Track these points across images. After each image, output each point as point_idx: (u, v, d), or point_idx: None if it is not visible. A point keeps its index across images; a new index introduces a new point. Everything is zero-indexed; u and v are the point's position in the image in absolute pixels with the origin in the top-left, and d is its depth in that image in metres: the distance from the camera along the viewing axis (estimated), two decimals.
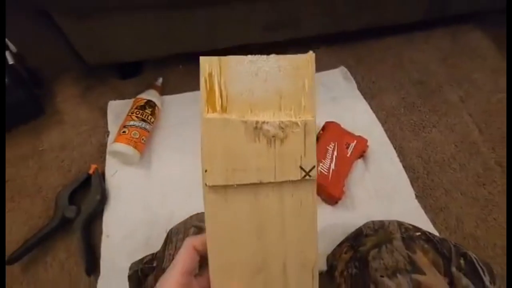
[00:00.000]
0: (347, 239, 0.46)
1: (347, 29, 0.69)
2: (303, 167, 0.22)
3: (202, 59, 0.21)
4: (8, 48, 0.59)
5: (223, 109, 0.21)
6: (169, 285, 0.22)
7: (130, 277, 0.41)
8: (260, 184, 0.22)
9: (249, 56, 0.21)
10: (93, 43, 0.54)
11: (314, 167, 0.22)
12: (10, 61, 0.57)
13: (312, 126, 0.21)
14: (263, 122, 0.21)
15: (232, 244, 0.23)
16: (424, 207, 0.55)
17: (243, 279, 0.23)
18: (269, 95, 0.21)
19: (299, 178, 0.22)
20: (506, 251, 0.51)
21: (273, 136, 0.21)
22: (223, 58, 0.21)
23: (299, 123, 0.21)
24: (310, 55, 0.21)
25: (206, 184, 0.21)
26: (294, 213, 0.23)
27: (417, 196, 0.56)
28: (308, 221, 0.23)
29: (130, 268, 0.41)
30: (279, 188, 0.22)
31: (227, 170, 0.21)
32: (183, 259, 0.24)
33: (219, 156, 0.21)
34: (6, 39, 0.58)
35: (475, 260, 0.39)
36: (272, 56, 0.21)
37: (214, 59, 0.21)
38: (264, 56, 0.21)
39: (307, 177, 0.22)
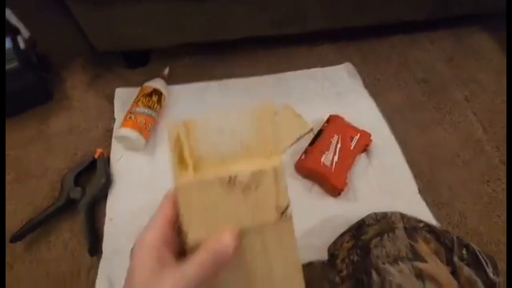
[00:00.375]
0: (349, 230, 0.46)
1: (352, 25, 0.69)
2: (278, 207, 0.23)
3: (168, 126, 0.22)
4: (19, 33, 0.61)
5: (196, 169, 0.23)
6: (152, 237, 0.21)
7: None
8: (242, 232, 0.23)
9: (212, 115, 0.23)
10: (104, 30, 0.55)
11: (288, 205, 0.24)
12: (22, 45, 0.58)
13: (280, 169, 0.23)
14: (235, 176, 0.22)
15: None
16: (427, 202, 0.55)
17: None
18: (237, 149, 0.23)
19: (277, 218, 0.23)
20: (506, 249, 0.50)
21: (246, 186, 0.22)
22: (188, 121, 0.22)
23: (268, 170, 0.22)
24: (268, 103, 0.23)
25: (190, 247, 0.22)
26: (277, 251, 0.24)
27: (420, 191, 0.56)
28: (291, 255, 0.24)
29: (134, 244, 0.41)
30: (260, 231, 0.24)
31: (208, 226, 0.22)
32: (163, 208, 0.23)
33: (199, 219, 0.22)
34: (19, 24, 0.59)
35: (478, 252, 0.39)
36: (233, 111, 0.23)
37: (180, 123, 0.22)
38: (227, 112, 0.23)
39: (283, 217, 0.23)
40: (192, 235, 0.22)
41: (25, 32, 0.60)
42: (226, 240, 0.21)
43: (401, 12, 0.69)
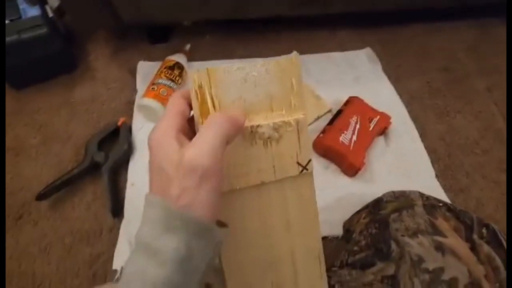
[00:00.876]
0: (366, 207, 0.47)
1: (375, 9, 0.69)
2: (300, 162, 0.23)
3: (191, 73, 0.22)
4: (46, 2, 0.62)
5: None
6: (167, 125, 0.21)
7: None
8: (262, 184, 0.23)
9: (236, 64, 0.22)
10: (131, 3, 0.56)
11: (310, 160, 0.23)
12: (50, 14, 0.60)
13: (304, 123, 0.23)
14: (258, 126, 0.22)
15: (243, 244, 0.24)
16: (444, 187, 0.55)
17: (256, 274, 0.25)
18: (260, 99, 0.22)
19: (298, 173, 0.23)
20: (506, 251, 0.50)
21: (268, 138, 0.22)
22: (211, 68, 0.22)
23: (291, 122, 0.22)
24: (295, 56, 0.23)
25: None
26: (296, 205, 0.24)
27: (437, 176, 0.56)
28: (310, 212, 0.24)
29: (147, 197, 0.43)
30: (280, 185, 0.23)
31: (230, 177, 0.22)
32: (174, 103, 0.22)
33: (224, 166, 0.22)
34: None
35: (497, 231, 0.39)
36: (259, 61, 0.22)
37: (202, 71, 0.22)
38: (252, 63, 0.22)
39: (305, 171, 0.23)
40: None
41: (54, 1, 0.61)
42: (237, 111, 0.22)
43: None
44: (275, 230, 0.24)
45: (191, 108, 0.23)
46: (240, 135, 0.22)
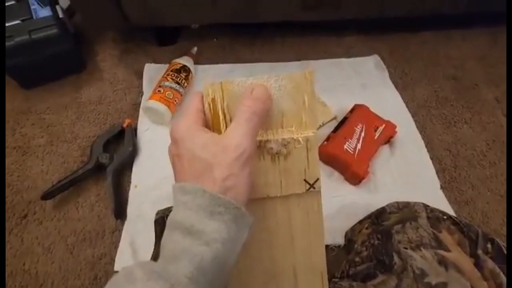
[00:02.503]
0: (368, 217, 0.46)
1: (385, 15, 0.68)
2: (308, 180, 0.23)
3: (205, 85, 0.22)
4: (57, 2, 0.63)
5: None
6: (189, 117, 0.22)
7: (156, 221, 0.42)
8: (267, 198, 0.23)
9: (251, 78, 0.22)
10: (140, 4, 0.57)
11: (317, 179, 0.23)
12: (60, 14, 0.60)
13: (314, 141, 0.22)
14: (267, 141, 0.22)
15: (245, 255, 0.24)
16: (449, 199, 0.54)
17: (256, 286, 0.25)
18: (270, 114, 0.22)
19: (304, 190, 0.23)
20: (506, 248, 0.49)
21: (276, 153, 0.22)
22: (225, 82, 0.22)
23: (300, 139, 0.22)
24: (309, 72, 0.22)
25: None
26: (301, 222, 0.24)
27: (442, 188, 0.55)
28: (315, 229, 0.24)
29: (157, 214, 0.43)
30: (286, 200, 0.23)
31: None
32: (195, 101, 0.23)
33: None
34: None
35: (503, 246, 0.39)
36: (272, 76, 0.22)
37: (216, 84, 0.22)
38: (265, 77, 0.22)
39: (312, 189, 0.23)
40: None
41: (65, 2, 0.62)
42: (258, 89, 0.22)
43: (437, 4, 0.67)
44: (279, 244, 0.24)
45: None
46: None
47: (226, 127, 0.22)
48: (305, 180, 0.23)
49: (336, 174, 0.56)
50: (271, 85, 0.22)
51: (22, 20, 0.57)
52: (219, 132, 0.22)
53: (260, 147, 0.22)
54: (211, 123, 0.22)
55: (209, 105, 0.22)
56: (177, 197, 0.21)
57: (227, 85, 0.22)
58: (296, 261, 0.25)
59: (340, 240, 0.48)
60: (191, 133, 0.21)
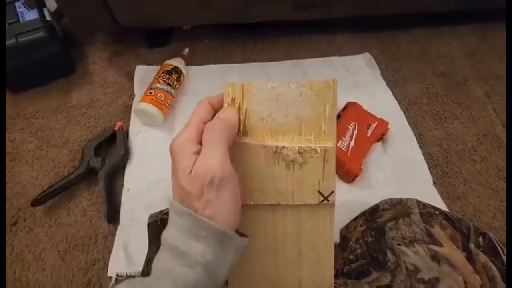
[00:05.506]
0: (363, 214, 0.46)
1: (377, 13, 0.69)
2: (322, 192, 0.22)
3: (226, 84, 0.22)
4: (45, 5, 0.62)
5: (245, 133, 0.22)
6: (186, 134, 0.22)
7: (149, 225, 0.42)
8: (278, 205, 0.22)
9: (271, 82, 0.22)
10: (130, 6, 0.56)
11: (332, 192, 0.22)
12: (48, 17, 0.60)
13: (332, 153, 0.22)
14: (283, 147, 0.21)
15: (250, 261, 0.23)
16: (441, 194, 0.55)
17: None
18: (289, 120, 0.22)
19: (317, 202, 0.22)
20: (506, 251, 0.50)
21: (292, 161, 0.22)
22: (246, 84, 0.22)
23: (318, 149, 0.21)
24: (333, 81, 0.22)
25: None
26: (311, 234, 0.23)
27: (434, 183, 0.56)
28: (325, 242, 0.23)
29: (150, 217, 0.42)
30: (297, 210, 0.23)
31: (246, 191, 0.22)
32: (198, 111, 0.23)
33: (239, 178, 0.22)
34: None
35: (494, 240, 0.39)
36: (294, 82, 0.22)
37: (237, 84, 0.22)
38: (286, 83, 0.22)
39: (325, 201, 0.22)
40: None
41: (52, 5, 0.61)
42: (229, 111, 0.23)
43: (427, 2, 0.68)
44: (286, 255, 0.24)
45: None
46: (262, 152, 0.22)
47: (243, 128, 0.22)
48: (319, 191, 0.22)
49: None
50: (291, 90, 0.22)
51: (9, 24, 0.56)
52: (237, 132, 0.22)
53: (276, 153, 0.22)
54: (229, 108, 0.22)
55: (228, 105, 0.22)
56: (170, 213, 0.22)
57: (247, 87, 0.22)
58: (302, 274, 0.24)
59: (335, 238, 0.48)
60: (180, 153, 0.21)
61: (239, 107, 0.22)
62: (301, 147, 0.21)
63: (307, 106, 0.22)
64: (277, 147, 0.21)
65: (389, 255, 0.36)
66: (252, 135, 0.22)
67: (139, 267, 0.42)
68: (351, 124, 0.57)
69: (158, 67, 0.63)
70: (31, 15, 0.59)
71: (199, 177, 0.20)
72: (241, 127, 0.22)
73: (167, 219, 0.41)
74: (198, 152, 0.21)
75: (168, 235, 0.21)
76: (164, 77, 0.59)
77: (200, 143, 0.21)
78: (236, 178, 0.21)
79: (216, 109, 0.23)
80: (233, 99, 0.22)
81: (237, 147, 0.22)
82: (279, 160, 0.22)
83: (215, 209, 0.20)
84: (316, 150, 0.21)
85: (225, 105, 0.22)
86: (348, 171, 0.53)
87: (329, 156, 0.22)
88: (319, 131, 0.22)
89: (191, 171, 0.20)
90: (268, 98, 0.22)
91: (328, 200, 0.22)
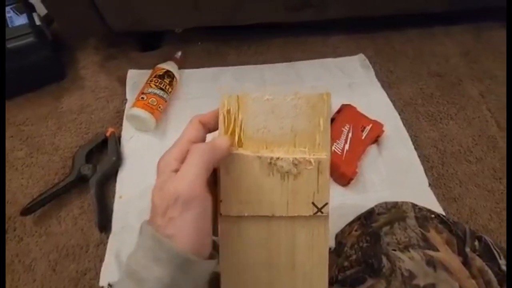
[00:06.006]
0: (358, 218, 0.46)
1: (371, 14, 0.68)
2: (316, 203, 0.22)
3: (223, 96, 0.22)
4: (35, 10, 0.61)
5: (240, 144, 0.22)
6: (172, 153, 0.22)
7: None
8: (272, 217, 0.23)
9: (267, 94, 0.22)
10: (120, 10, 0.55)
11: (326, 204, 0.23)
12: (37, 22, 0.59)
13: (326, 164, 0.22)
14: (277, 158, 0.22)
15: (243, 272, 0.23)
16: (437, 196, 0.54)
17: None
18: (284, 132, 0.22)
19: (311, 214, 0.22)
20: (506, 247, 0.49)
21: (286, 172, 0.22)
22: (241, 95, 0.22)
23: (312, 161, 0.22)
24: (327, 94, 0.22)
25: (220, 214, 0.23)
26: (305, 245, 0.23)
27: (430, 185, 0.56)
28: (319, 254, 0.23)
29: (142, 225, 0.42)
30: (291, 221, 0.23)
31: (241, 202, 0.22)
32: (187, 129, 0.23)
33: (234, 188, 0.22)
34: (36, 0, 0.59)
35: (490, 244, 0.39)
36: (289, 94, 0.22)
37: (233, 96, 0.22)
38: (281, 95, 0.22)
39: (319, 213, 0.22)
40: (224, 206, 0.22)
41: (41, 9, 0.60)
42: (222, 137, 0.23)
43: (421, 2, 0.67)
44: (280, 266, 0.24)
45: (210, 131, 0.23)
46: (257, 163, 0.22)
47: (238, 140, 0.22)
48: (313, 203, 0.22)
49: None
50: (287, 103, 0.22)
51: None
52: (231, 144, 0.22)
53: (271, 164, 0.22)
54: (224, 135, 0.23)
55: (224, 117, 0.22)
56: (139, 234, 0.22)
57: (243, 98, 0.22)
58: (296, 286, 0.24)
59: (331, 243, 0.47)
60: (161, 171, 0.22)
61: (234, 120, 0.22)
62: (296, 158, 0.22)
63: (302, 118, 0.22)
64: (271, 158, 0.22)
65: (384, 261, 0.36)
66: (247, 147, 0.22)
67: None
68: (346, 127, 0.56)
69: (150, 71, 0.62)
70: (21, 20, 0.58)
71: (167, 194, 0.20)
72: (236, 138, 0.22)
73: None
74: (177, 171, 0.21)
75: (131, 258, 0.21)
76: (156, 81, 0.58)
77: (183, 162, 0.21)
78: (209, 200, 0.21)
79: (208, 127, 0.24)
80: (228, 111, 0.22)
81: (232, 159, 0.22)
82: (273, 171, 0.22)
83: (177, 228, 0.20)
84: (310, 162, 0.22)
85: (221, 116, 0.22)
86: (342, 175, 0.52)
87: (323, 167, 0.22)
88: (313, 143, 0.22)
89: (162, 188, 0.20)
90: (264, 110, 0.22)
91: (322, 212, 0.22)
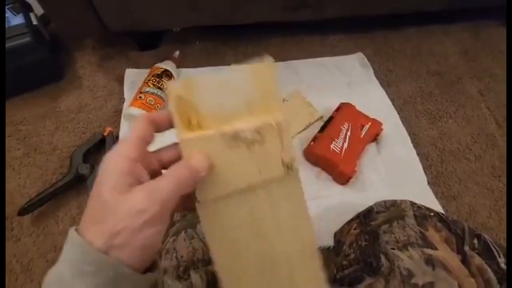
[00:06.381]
0: (357, 217, 0.46)
1: (369, 13, 0.68)
2: (284, 162, 0.23)
3: (169, 84, 0.22)
4: (32, 10, 0.61)
5: (199, 127, 0.22)
6: (124, 147, 0.20)
7: None
8: (249, 189, 0.23)
9: (212, 74, 0.22)
10: (118, 10, 0.55)
11: (293, 159, 0.23)
12: (34, 21, 0.58)
13: (285, 124, 0.23)
14: (240, 131, 0.22)
15: (235, 250, 0.24)
16: (436, 194, 0.54)
17: (253, 278, 0.25)
18: (239, 104, 0.22)
19: (283, 173, 0.23)
20: (506, 245, 0.49)
21: (251, 141, 0.22)
22: (187, 80, 0.22)
23: (272, 123, 0.22)
24: (268, 59, 0.23)
25: (198, 201, 0.22)
26: (285, 205, 0.24)
27: (429, 183, 0.55)
28: (300, 209, 0.24)
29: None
30: (267, 187, 0.23)
31: (215, 183, 0.22)
32: (136, 127, 0.21)
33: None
34: (32, 0, 0.59)
35: (489, 242, 0.39)
36: (233, 67, 0.22)
37: (179, 82, 0.22)
38: (225, 72, 0.22)
39: (290, 171, 0.23)
40: (199, 191, 0.22)
41: (38, 9, 0.60)
42: (200, 157, 0.21)
43: (419, 1, 0.67)
44: (268, 234, 0.24)
45: (159, 131, 0.22)
46: (220, 141, 0.22)
47: (197, 123, 0.22)
48: (282, 162, 0.23)
49: (324, 174, 0.55)
50: (234, 76, 0.22)
51: None
52: (190, 129, 0.22)
53: (234, 138, 0.22)
54: (180, 122, 0.21)
55: (176, 103, 0.21)
56: (64, 244, 0.19)
57: (190, 82, 0.21)
58: (287, 245, 0.25)
59: (330, 241, 0.47)
60: (113, 169, 0.19)
61: (187, 105, 0.22)
62: (257, 126, 0.22)
63: (252, 87, 0.22)
64: (234, 132, 0.22)
65: (383, 260, 0.35)
66: (207, 127, 0.22)
67: None
68: (345, 125, 0.56)
69: (148, 70, 0.62)
70: (17, 20, 0.58)
71: (133, 203, 0.18)
72: (195, 122, 0.22)
73: None
74: (134, 174, 0.19)
75: (54, 269, 0.18)
76: (154, 80, 0.58)
77: (138, 161, 0.19)
78: (167, 221, 0.19)
79: (157, 126, 0.22)
80: (179, 97, 0.21)
81: (195, 142, 0.22)
82: (239, 144, 0.22)
83: (127, 240, 0.18)
84: (271, 125, 0.22)
85: (172, 104, 0.21)
86: (341, 173, 0.52)
87: (283, 127, 0.23)
88: (268, 108, 0.23)
89: (128, 194, 0.18)
90: (213, 89, 0.22)
91: (292, 169, 0.23)
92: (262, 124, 0.22)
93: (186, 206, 0.22)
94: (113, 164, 0.19)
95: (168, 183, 0.19)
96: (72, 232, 0.19)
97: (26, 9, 0.60)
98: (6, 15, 0.58)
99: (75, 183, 0.49)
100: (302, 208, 0.24)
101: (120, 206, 0.18)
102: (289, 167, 0.23)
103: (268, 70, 0.23)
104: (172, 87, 0.21)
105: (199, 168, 0.20)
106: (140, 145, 0.20)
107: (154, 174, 0.21)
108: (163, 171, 0.22)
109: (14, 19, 0.58)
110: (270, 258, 0.25)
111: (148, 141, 0.21)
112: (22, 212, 0.46)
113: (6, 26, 0.56)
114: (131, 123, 0.57)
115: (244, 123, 0.22)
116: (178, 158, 0.21)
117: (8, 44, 0.54)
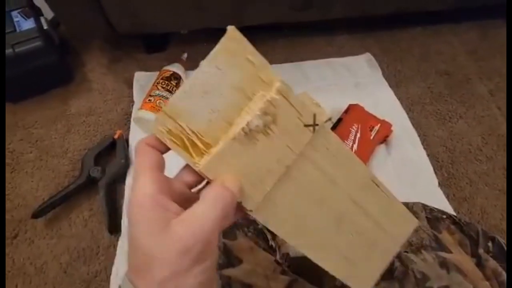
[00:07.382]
0: None
1: (376, 13, 0.68)
2: (307, 123, 0.21)
3: (154, 127, 0.19)
4: (42, 14, 0.61)
5: (208, 147, 0.20)
6: (145, 185, 0.18)
7: None
8: (287, 170, 0.22)
9: (185, 85, 0.20)
10: (126, 13, 0.55)
11: (315, 115, 0.21)
12: (45, 26, 0.59)
13: (285, 87, 0.20)
14: (248, 123, 0.20)
15: (306, 225, 0.23)
16: (447, 196, 0.54)
17: (338, 237, 0.25)
18: (231, 97, 0.20)
19: (312, 134, 0.21)
20: (506, 251, 0.49)
21: (265, 125, 0.20)
22: (167, 108, 0.19)
23: (274, 95, 0.20)
24: (232, 29, 0.20)
25: (250, 210, 0.21)
26: (329, 160, 0.23)
27: (440, 185, 0.55)
28: (343, 154, 0.24)
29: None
30: (304, 157, 0.22)
31: (255, 185, 0.21)
32: (143, 159, 0.19)
33: (241, 183, 0.20)
34: (43, 5, 0.59)
35: (503, 244, 0.38)
36: (202, 63, 0.19)
37: (160, 115, 0.19)
38: (196, 72, 0.19)
39: (316, 127, 0.21)
40: (246, 202, 0.21)
41: (48, 13, 0.60)
42: (230, 177, 0.19)
43: (425, 0, 0.67)
44: (327, 195, 0.24)
45: (163, 152, 0.20)
46: (237, 145, 0.20)
47: (203, 144, 0.20)
48: (305, 125, 0.21)
49: None
50: (209, 72, 0.19)
51: (6, 33, 0.56)
52: (201, 154, 0.20)
53: (247, 134, 0.20)
54: (187, 153, 0.20)
55: (171, 139, 0.19)
56: None
57: (170, 107, 0.19)
58: (349, 192, 0.24)
59: None
60: (142, 211, 0.17)
61: (182, 133, 0.19)
62: (261, 108, 0.20)
63: (233, 71, 0.20)
64: (243, 128, 0.20)
65: (397, 263, 0.35)
66: (214, 140, 0.20)
67: None
68: (354, 127, 0.56)
69: (157, 73, 0.62)
70: (28, 24, 0.58)
71: (177, 243, 0.16)
72: (199, 143, 0.20)
73: None
74: (162, 208, 0.17)
75: None
76: (163, 83, 0.58)
77: (161, 193, 0.18)
78: (216, 251, 0.18)
79: (156, 146, 0.20)
80: (169, 131, 0.19)
81: (215, 163, 0.20)
82: (255, 136, 0.20)
83: (179, 284, 0.16)
84: (273, 98, 0.20)
85: (167, 141, 0.19)
86: None
87: (286, 91, 0.20)
88: (261, 82, 0.20)
89: (167, 235, 0.16)
90: (197, 98, 0.19)
91: (317, 124, 0.21)
92: (264, 103, 0.20)
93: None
94: (138, 208, 0.17)
95: (209, 211, 0.18)
96: (124, 278, 0.18)
97: (36, 13, 0.60)
98: (17, 19, 0.59)
99: (87, 186, 0.50)
100: (345, 152, 0.24)
101: (164, 249, 0.16)
102: (314, 126, 0.21)
103: (239, 43, 0.20)
104: (158, 128, 0.19)
105: (235, 190, 0.19)
106: (154, 176, 0.18)
107: (185, 198, 0.20)
108: (193, 190, 0.21)
109: (25, 24, 0.58)
110: (341, 213, 0.24)
111: (160, 167, 0.19)
112: (36, 214, 0.47)
113: (18, 30, 0.57)
114: (141, 126, 0.57)
115: (246, 113, 0.20)
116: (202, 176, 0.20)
117: (20, 49, 0.55)
